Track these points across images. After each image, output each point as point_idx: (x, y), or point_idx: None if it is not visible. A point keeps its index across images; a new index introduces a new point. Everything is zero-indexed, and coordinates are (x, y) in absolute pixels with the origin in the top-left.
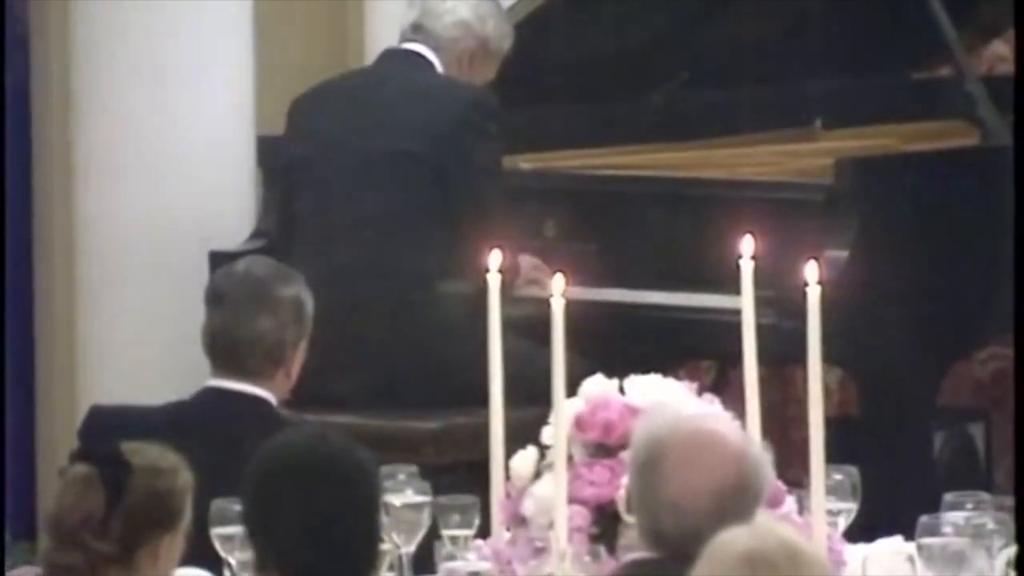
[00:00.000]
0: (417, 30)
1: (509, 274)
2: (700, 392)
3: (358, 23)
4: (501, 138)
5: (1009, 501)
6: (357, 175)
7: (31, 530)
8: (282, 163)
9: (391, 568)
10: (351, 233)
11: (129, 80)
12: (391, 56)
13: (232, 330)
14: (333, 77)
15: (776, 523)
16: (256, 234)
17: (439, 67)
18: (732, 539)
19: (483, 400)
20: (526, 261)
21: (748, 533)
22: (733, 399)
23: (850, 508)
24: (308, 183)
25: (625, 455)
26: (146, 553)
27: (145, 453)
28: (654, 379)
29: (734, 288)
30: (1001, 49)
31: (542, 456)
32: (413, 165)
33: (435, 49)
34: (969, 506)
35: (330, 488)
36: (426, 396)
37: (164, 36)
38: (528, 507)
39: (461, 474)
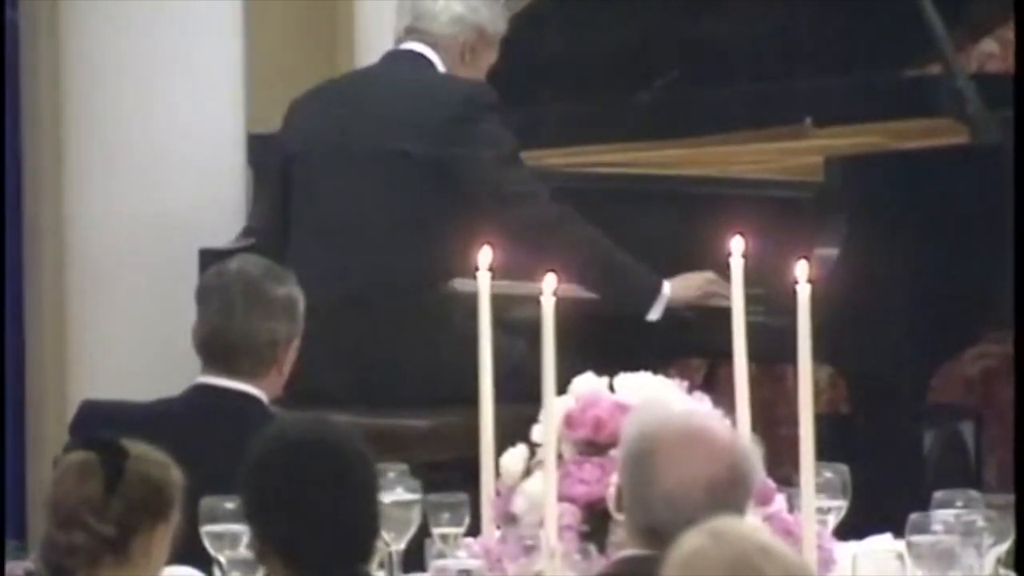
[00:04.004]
0: (412, 33)
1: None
2: (690, 390)
3: (348, 22)
4: (506, 126)
5: (998, 499)
6: (352, 175)
7: (22, 529)
8: (277, 161)
9: (381, 566)
10: (347, 232)
11: (119, 78)
12: (393, 57)
13: (225, 328)
14: (334, 77)
15: (734, 523)
16: (246, 232)
17: (440, 65)
18: (703, 551)
19: (473, 398)
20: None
21: (716, 542)
22: (723, 397)
23: (840, 506)
24: (304, 182)
25: (615, 453)
26: (140, 542)
27: (138, 444)
28: (644, 377)
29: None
30: (991, 47)
31: (532, 454)
32: (409, 164)
33: (434, 47)
34: (959, 504)
35: (328, 472)
36: (418, 395)
37: (154, 35)
38: (518, 505)
39: (451, 472)
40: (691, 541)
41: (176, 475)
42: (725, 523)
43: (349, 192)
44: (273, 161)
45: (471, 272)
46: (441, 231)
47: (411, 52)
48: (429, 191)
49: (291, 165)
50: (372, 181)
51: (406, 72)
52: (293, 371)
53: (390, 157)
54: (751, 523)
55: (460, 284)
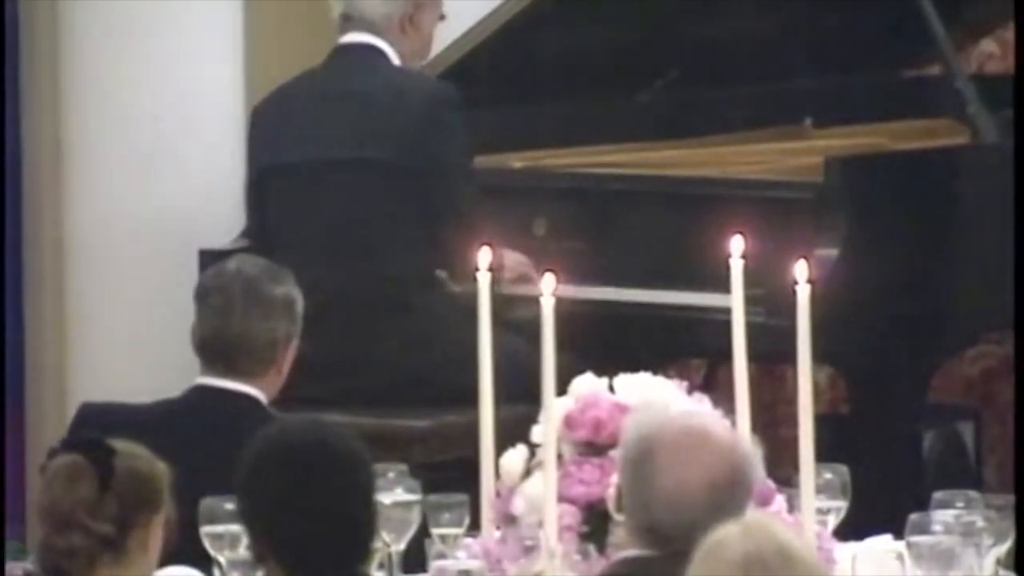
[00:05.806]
0: (349, 21)
1: (495, 272)
2: (690, 390)
3: None
4: (466, 130)
5: (998, 499)
6: (327, 185)
7: (22, 529)
8: (249, 175)
9: (381, 566)
10: (332, 241)
11: (119, 78)
12: (345, 53)
13: (224, 329)
14: (289, 81)
15: (769, 521)
16: (246, 232)
17: (392, 55)
18: (726, 541)
19: (473, 399)
20: (511, 257)
21: (742, 535)
22: (723, 397)
23: (840, 506)
24: (281, 196)
25: (615, 453)
26: (137, 536)
27: (121, 442)
28: (644, 377)
29: (724, 286)
30: (991, 47)
31: (532, 454)
32: (381, 171)
33: (377, 33)
34: (959, 504)
35: (325, 473)
36: (409, 399)
37: (155, 35)
38: (518, 505)
39: (451, 472)
40: (723, 530)
41: (161, 467)
42: (760, 520)
43: (328, 203)
44: (249, 174)
45: (464, 272)
46: (422, 233)
47: (361, 46)
48: (407, 195)
49: (264, 179)
50: (350, 190)
51: (365, 73)
52: (289, 379)
53: (365, 165)
54: (787, 527)
55: (459, 285)
